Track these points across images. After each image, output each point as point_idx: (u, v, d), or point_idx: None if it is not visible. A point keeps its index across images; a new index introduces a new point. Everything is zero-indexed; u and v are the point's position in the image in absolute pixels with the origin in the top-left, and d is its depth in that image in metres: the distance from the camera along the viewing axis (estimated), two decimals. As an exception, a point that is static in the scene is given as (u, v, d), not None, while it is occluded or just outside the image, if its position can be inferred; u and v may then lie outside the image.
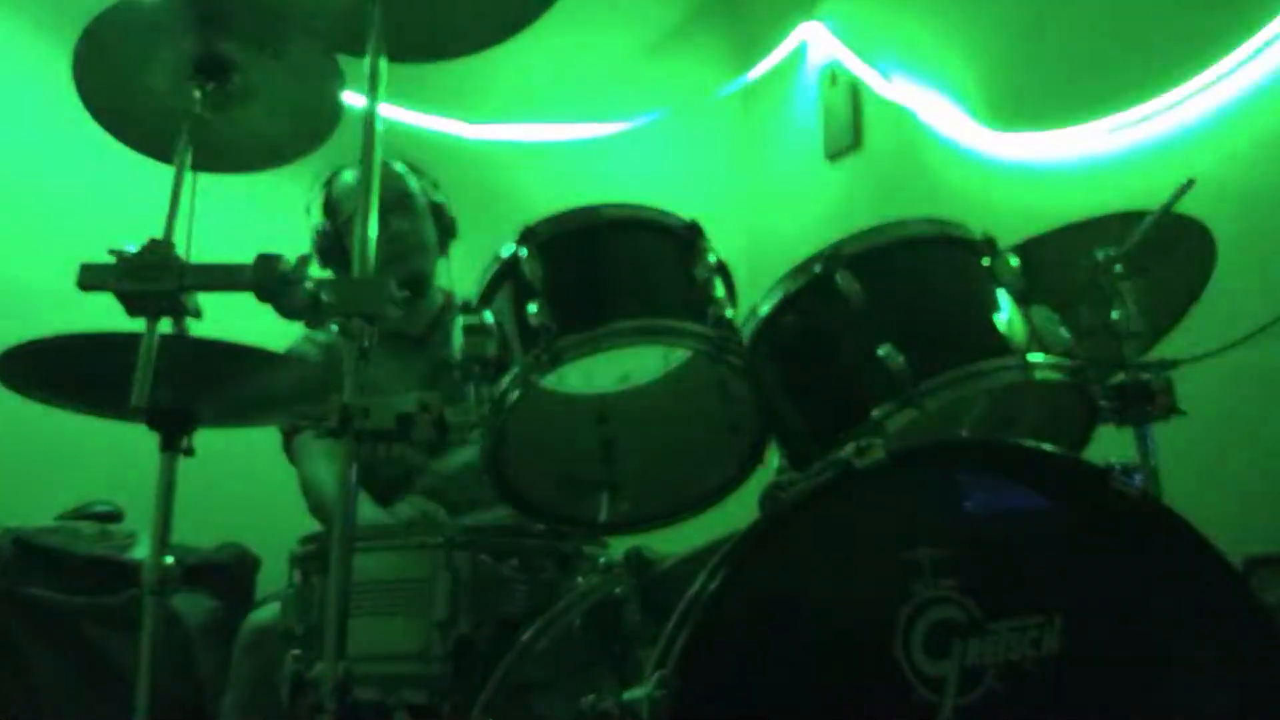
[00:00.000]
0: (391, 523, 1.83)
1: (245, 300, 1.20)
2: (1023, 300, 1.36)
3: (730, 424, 1.43)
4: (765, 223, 3.70)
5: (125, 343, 1.21)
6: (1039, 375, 1.30)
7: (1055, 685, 1.04)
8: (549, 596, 1.39)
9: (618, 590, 1.35)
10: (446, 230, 2.18)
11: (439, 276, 2.21)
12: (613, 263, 1.40)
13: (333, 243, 2.12)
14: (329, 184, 2.16)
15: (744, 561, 1.03)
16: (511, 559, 1.41)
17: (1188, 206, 1.54)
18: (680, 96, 3.64)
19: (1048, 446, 1.16)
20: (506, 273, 1.38)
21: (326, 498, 1.91)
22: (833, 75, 3.44)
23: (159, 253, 1.21)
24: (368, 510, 1.87)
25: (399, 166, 2.17)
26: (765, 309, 1.42)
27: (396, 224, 2.06)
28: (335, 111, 1.48)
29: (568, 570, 1.44)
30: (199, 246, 1.32)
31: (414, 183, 2.17)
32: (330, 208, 2.15)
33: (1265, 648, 1.09)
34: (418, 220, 2.13)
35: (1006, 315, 1.35)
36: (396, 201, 2.09)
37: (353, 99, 1.42)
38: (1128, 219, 1.54)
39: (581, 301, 1.34)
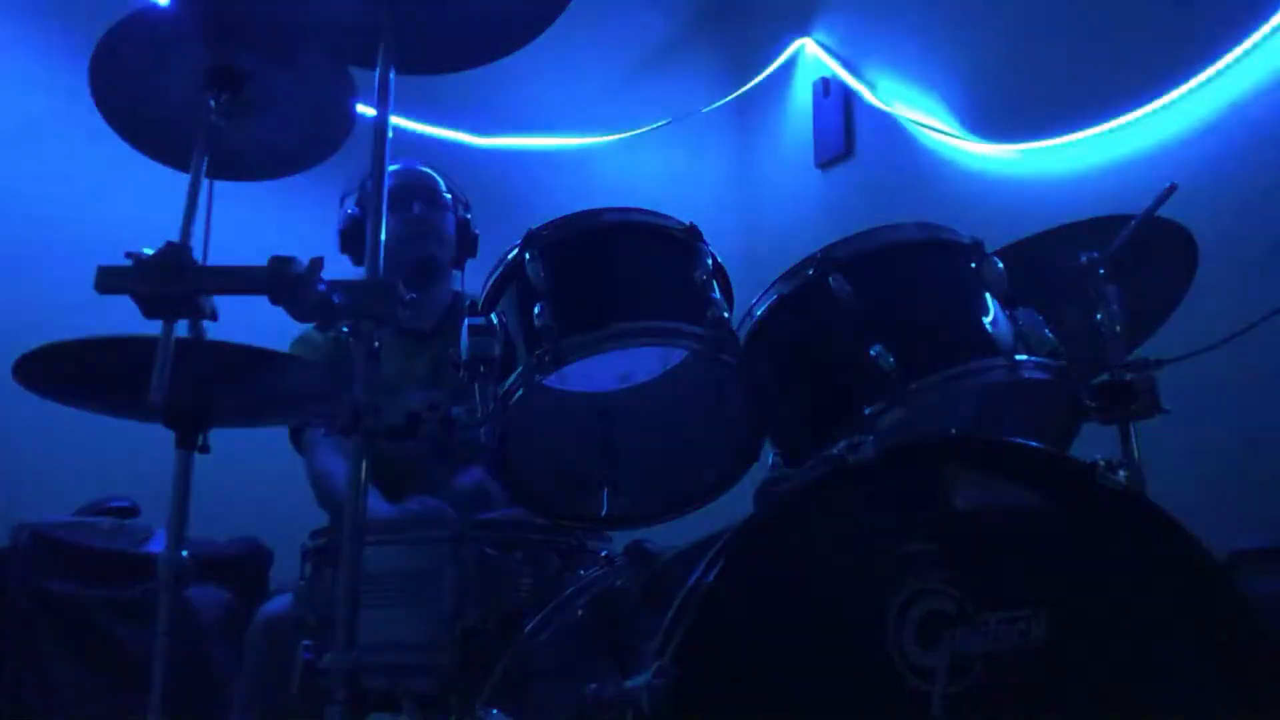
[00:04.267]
0: (401, 517, 1.85)
1: (260, 301, 1.23)
2: (1009, 302, 1.38)
3: (727, 422, 1.45)
4: (760, 227, 3.73)
5: (141, 345, 1.22)
6: (1025, 375, 1.32)
7: (1042, 675, 1.06)
8: (553, 589, 1.41)
9: (619, 583, 1.37)
10: (466, 246, 2.26)
11: (452, 282, 2.27)
12: (614, 265, 1.42)
13: (360, 230, 2.18)
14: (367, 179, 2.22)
15: (740, 555, 1.04)
16: (516, 552, 1.42)
17: (1170, 211, 1.57)
18: (678, 107, 3.67)
19: (1034, 443, 1.18)
20: (511, 275, 1.41)
21: (335, 489, 1.94)
22: (825, 86, 3.47)
23: (175, 256, 1.21)
24: (376, 504, 1.88)
25: (434, 172, 2.26)
26: (760, 310, 1.45)
27: (419, 209, 2.16)
28: (347, 122, 1.51)
29: (571, 563, 1.46)
30: (214, 250, 1.35)
31: (442, 184, 2.25)
32: (363, 199, 2.21)
33: (1248, 640, 1.11)
34: (438, 212, 2.21)
35: (993, 317, 1.37)
36: (422, 191, 2.19)
37: (364, 109, 1.45)
38: (1111, 223, 1.57)
39: (583, 303, 1.36)
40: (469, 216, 2.27)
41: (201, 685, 2.12)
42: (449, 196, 2.24)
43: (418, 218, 2.15)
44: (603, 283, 1.41)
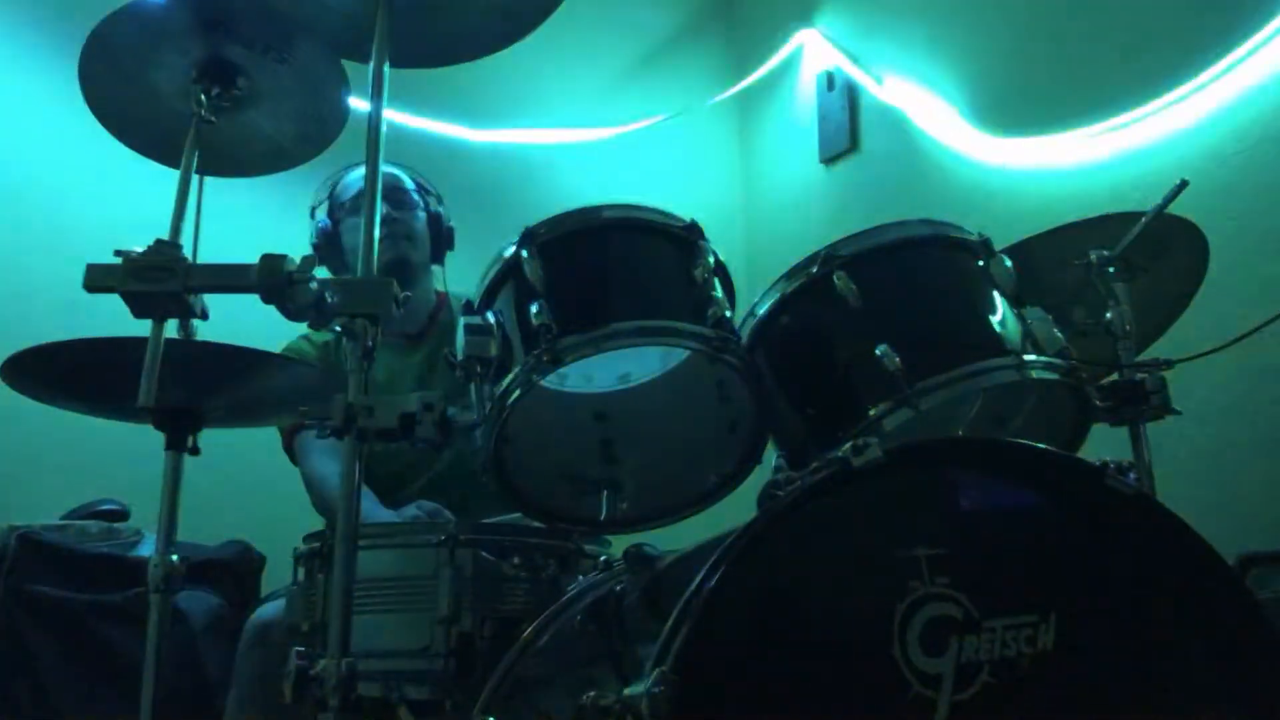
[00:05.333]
0: (396, 521, 1.84)
1: (251, 300, 1.21)
2: (1017, 301, 1.37)
3: (729, 423, 1.44)
4: (763, 224, 3.72)
5: (130, 345, 1.21)
6: (1033, 375, 1.31)
7: (1050, 682, 1.04)
8: (550, 594, 1.39)
9: (618, 587, 1.35)
10: (442, 240, 2.23)
11: (434, 281, 2.26)
12: (613, 263, 1.41)
13: (330, 241, 2.18)
14: (334, 185, 2.21)
15: (742, 559, 1.03)
16: (513, 557, 1.41)
17: (1180, 208, 1.56)
18: (679, 101, 3.66)
19: (1042, 445, 1.16)
20: (508, 273, 1.39)
21: (330, 493, 1.92)
22: (829, 80, 3.46)
23: (164, 254, 1.20)
24: (376, 509, 1.87)
25: (399, 170, 2.24)
26: (763, 309, 1.44)
27: (384, 211, 2.11)
28: (340, 116, 1.50)
29: (569, 568, 1.44)
30: (205, 248, 1.34)
31: (408, 182, 2.23)
32: (333, 208, 2.20)
33: (1258, 644, 1.10)
34: (405, 211, 2.18)
35: (1001, 316, 1.36)
36: (388, 192, 2.15)
37: (358, 104, 1.43)
38: (1121, 220, 1.56)
39: (582, 302, 1.35)
40: (441, 210, 2.25)
41: (192, 690, 2.11)
42: (415, 194, 2.22)
43: (384, 219, 2.12)
44: (602, 281, 1.40)
